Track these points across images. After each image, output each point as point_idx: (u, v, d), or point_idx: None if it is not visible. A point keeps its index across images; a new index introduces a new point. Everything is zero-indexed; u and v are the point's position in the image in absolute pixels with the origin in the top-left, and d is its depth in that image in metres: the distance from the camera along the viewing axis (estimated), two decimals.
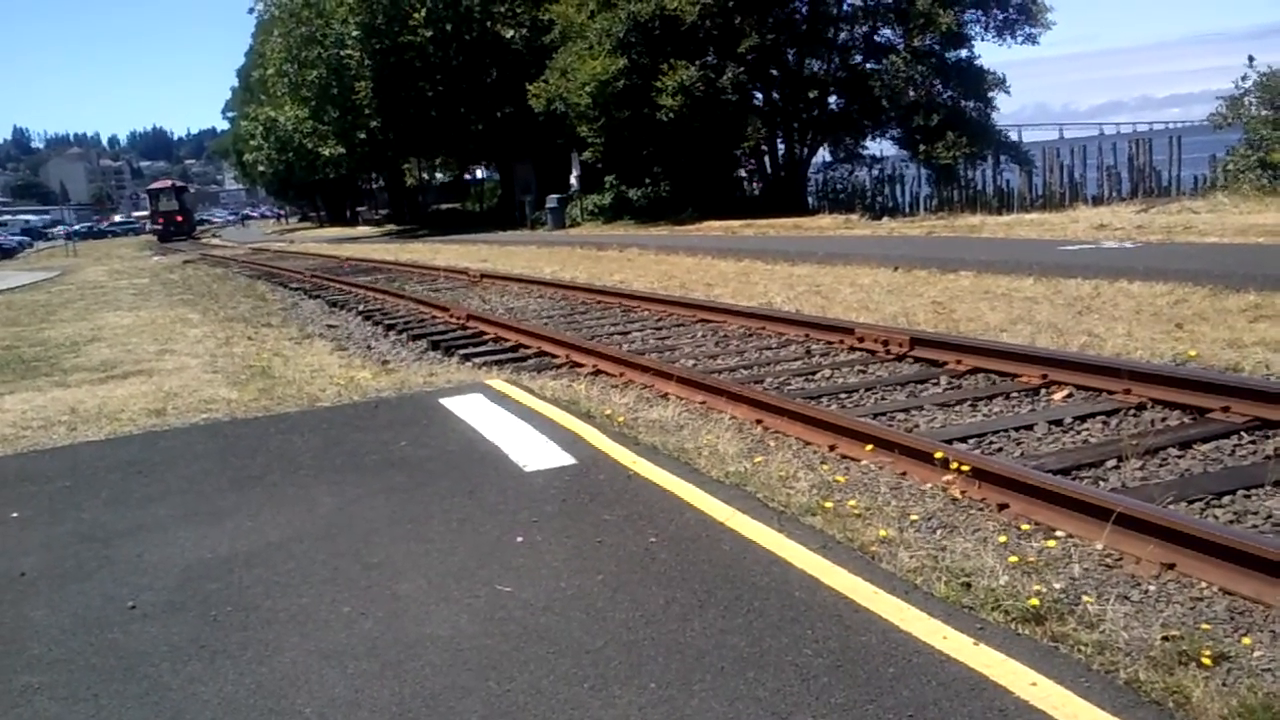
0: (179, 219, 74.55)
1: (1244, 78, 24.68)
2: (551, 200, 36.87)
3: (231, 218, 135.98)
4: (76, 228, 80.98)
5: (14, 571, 4.44)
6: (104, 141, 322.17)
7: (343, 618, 3.71)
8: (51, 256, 54.21)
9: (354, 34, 42.45)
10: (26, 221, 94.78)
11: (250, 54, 76.79)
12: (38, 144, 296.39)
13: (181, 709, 3.14)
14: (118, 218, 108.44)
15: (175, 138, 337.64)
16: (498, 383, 7.86)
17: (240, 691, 3.22)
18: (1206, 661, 3.02)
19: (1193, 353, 7.24)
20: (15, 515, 5.30)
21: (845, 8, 33.89)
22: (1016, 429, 5.90)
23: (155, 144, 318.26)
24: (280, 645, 3.52)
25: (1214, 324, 8.26)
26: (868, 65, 33.72)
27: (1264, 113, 24.01)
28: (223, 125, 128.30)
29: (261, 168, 72.51)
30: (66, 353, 12.14)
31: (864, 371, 7.95)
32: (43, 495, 5.65)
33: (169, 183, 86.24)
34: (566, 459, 5.55)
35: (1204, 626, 3.32)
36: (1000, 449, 5.60)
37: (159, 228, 73.08)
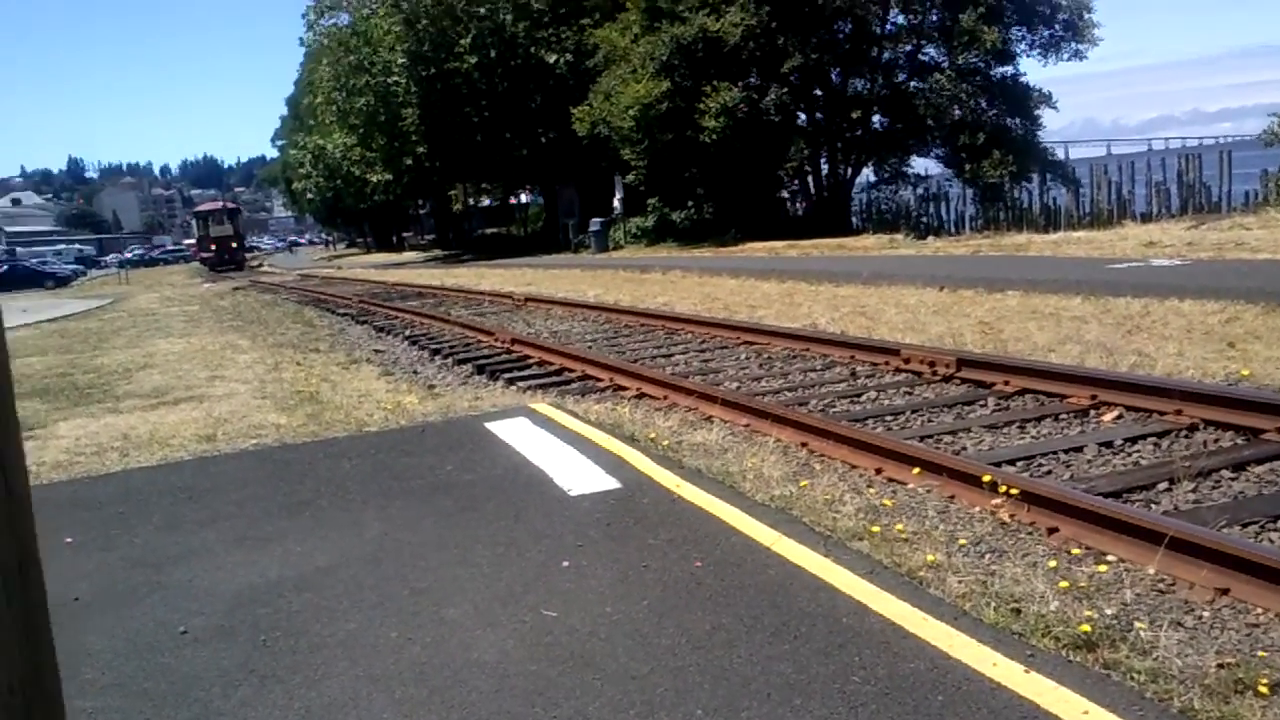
0: (233, 245, 62.15)
1: None
2: (595, 223, 37.08)
3: (280, 245, 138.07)
4: (128, 255, 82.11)
5: (68, 596, 4.51)
6: (156, 171, 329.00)
7: (390, 643, 3.74)
8: (104, 284, 55.24)
9: (401, 61, 43.05)
10: (79, 250, 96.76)
11: (299, 83, 77.69)
12: (92, 174, 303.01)
13: None
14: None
15: (225, 166, 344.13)
16: (542, 406, 7.89)
17: (290, 716, 3.25)
18: (1263, 690, 2.96)
19: (1246, 372, 7.12)
20: (69, 540, 5.39)
21: (889, 27, 33.92)
22: (1066, 451, 5.82)
23: (206, 173, 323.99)
24: (329, 670, 3.55)
25: (1268, 342, 8.11)
26: (912, 84, 33.65)
27: None
28: (272, 153, 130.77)
29: (310, 195, 73.35)
30: (119, 379, 12.36)
31: (910, 393, 7.89)
32: (96, 521, 5.75)
33: (220, 204, 72.50)
34: (611, 483, 5.56)
35: (1260, 654, 3.25)
36: (1049, 471, 5.53)
37: (210, 255, 60.98)
